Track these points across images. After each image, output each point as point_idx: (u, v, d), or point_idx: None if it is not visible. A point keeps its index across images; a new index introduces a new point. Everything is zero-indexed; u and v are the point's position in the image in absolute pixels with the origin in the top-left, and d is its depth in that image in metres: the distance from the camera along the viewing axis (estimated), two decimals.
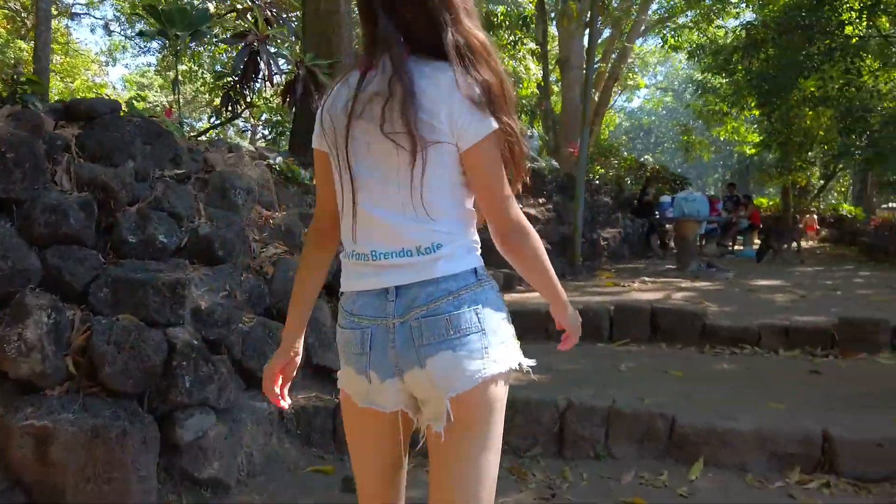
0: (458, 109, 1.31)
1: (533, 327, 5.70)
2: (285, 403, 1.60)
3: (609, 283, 8.91)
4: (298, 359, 1.58)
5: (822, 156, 18.10)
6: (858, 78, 14.21)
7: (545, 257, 1.49)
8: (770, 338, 5.56)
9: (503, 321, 1.43)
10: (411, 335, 1.35)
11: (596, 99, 26.23)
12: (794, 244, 12.82)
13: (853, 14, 13.69)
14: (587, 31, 22.22)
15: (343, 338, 1.45)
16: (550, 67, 23.22)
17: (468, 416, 1.36)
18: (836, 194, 33.63)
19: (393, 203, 1.36)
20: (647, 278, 9.40)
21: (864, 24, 13.88)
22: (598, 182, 14.46)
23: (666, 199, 13.28)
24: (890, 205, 36.36)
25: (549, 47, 25.30)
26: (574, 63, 21.79)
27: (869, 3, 13.45)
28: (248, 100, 6.67)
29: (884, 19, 14.17)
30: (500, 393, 1.40)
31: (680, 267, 10.48)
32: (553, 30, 22.82)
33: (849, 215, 21.35)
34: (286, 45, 8.16)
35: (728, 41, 16.86)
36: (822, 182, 22.69)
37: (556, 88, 23.64)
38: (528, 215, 7.18)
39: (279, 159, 5.28)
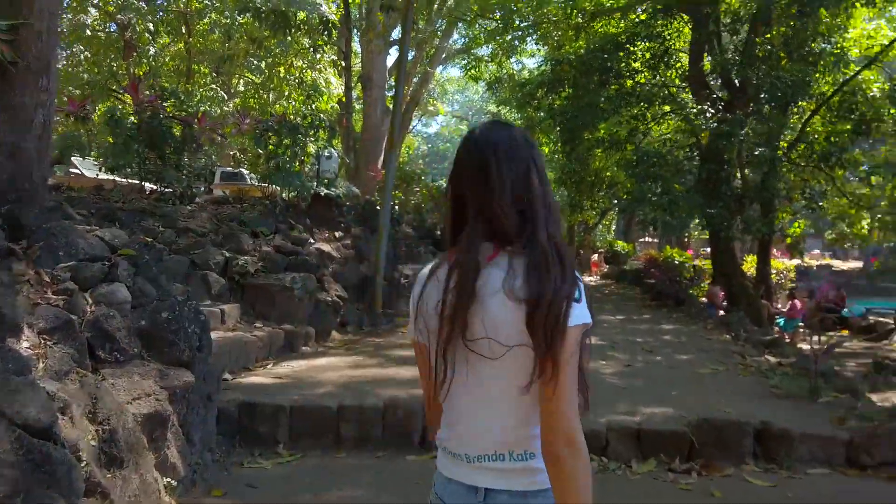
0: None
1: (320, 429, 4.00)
2: None
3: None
4: None
5: (610, 198, 18.53)
6: (644, 123, 14.50)
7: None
8: (620, 444, 4.33)
9: None
10: None
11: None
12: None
13: (642, 63, 13.87)
14: (393, 49, 21.07)
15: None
16: (353, 84, 21.81)
17: None
18: (601, 228, 35.93)
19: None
20: None
21: (650, 74, 14.16)
22: (398, 211, 13.01)
23: None
24: (647, 239, 40.02)
25: (352, 62, 23.78)
26: (377, 81, 20.54)
27: (658, 53, 13.70)
28: None
29: (672, 73, 14.55)
30: None
31: None
32: (357, 46, 21.52)
33: (622, 251, 22.25)
34: None
35: (532, 76, 16.50)
36: (597, 219, 23.61)
37: (357, 106, 22.22)
38: (320, 252, 4.88)
39: None
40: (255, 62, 18.99)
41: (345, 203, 9.46)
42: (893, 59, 14.85)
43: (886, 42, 13.27)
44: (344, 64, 20.73)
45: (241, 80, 22.12)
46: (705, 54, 13.98)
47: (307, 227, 8.44)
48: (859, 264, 31.81)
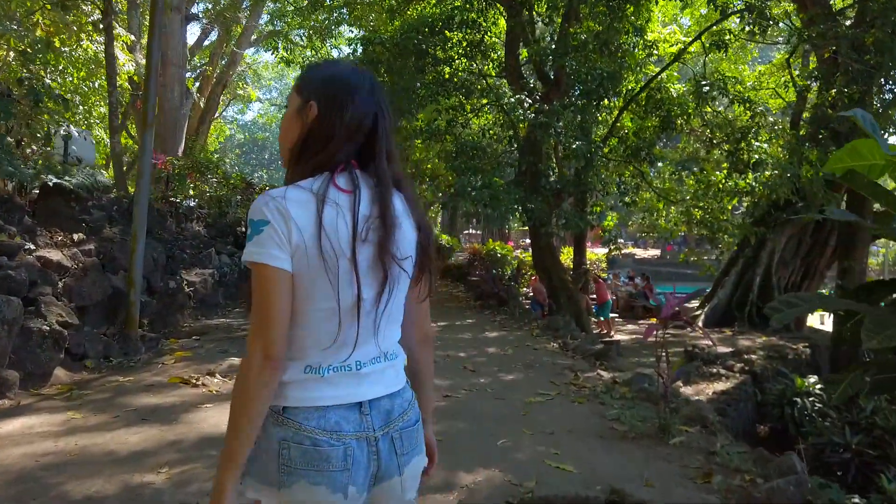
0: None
1: None
2: None
3: (174, 379, 5.46)
4: None
5: (433, 191, 17.44)
6: (463, 114, 13.61)
7: None
8: None
9: None
10: (393, 446, 1.37)
11: (202, 104, 22.43)
12: None
13: (458, 51, 12.91)
14: (192, 26, 18.38)
15: (314, 455, 1.30)
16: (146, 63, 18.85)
17: None
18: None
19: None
20: (235, 359, 6.22)
21: (467, 63, 13.27)
22: (187, 206, 10.77)
23: None
24: (470, 231, 40.09)
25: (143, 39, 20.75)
26: (174, 59, 17.89)
27: (475, 42, 12.80)
28: None
29: (489, 64, 13.73)
30: None
31: None
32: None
33: (446, 245, 21.42)
34: None
35: (343, 56, 14.83)
36: None
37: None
38: (43, 261, 3.87)
39: None
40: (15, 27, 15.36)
41: (93, 197, 7.19)
42: (691, 58, 15.28)
43: (683, 44, 13.46)
44: (138, 42, 17.79)
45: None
46: (521, 44, 13.31)
47: (27, 228, 6.14)
48: (657, 252, 34.25)
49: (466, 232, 38.79)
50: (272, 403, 1.32)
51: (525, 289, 16.04)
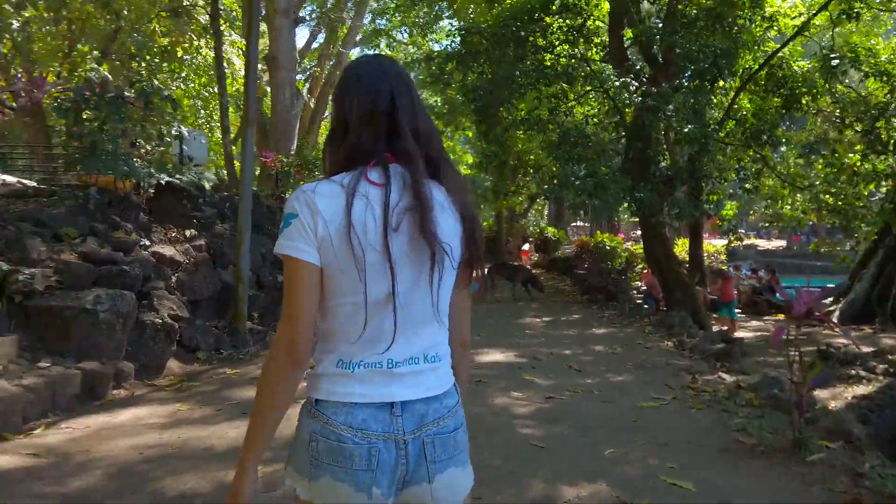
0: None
1: None
2: None
3: None
4: None
5: (538, 182, 16.99)
6: (565, 102, 13.08)
7: None
8: None
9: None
10: (424, 451, 1.31)
11: (312, 105, 23.14)
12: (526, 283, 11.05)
13: (559, 37, 12.38)
14: (300, 29, 18.95)
15: (338, 451, 1.27)
16: (263, 67, 19.76)
17: None
18: (534, 213, 34.61)
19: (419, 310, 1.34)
20: None
21: (569, 49, 12.70)
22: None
23: None
24: (578, 223, 39.02)
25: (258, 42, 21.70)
26: (283, 63, 18.52)
27: (576, 26, 12.24)
28: None
29: (592, 49, 13.11)
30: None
31: None
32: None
33: (553, 238, 20.86)
34: None
35: (442, 50, 14.73)
36: (526, 204, 22.08)
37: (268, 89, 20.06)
38: (158, 257, 3.96)
39: None
40: (145, 41, 16.43)
41: (203, 195, 7.42)
42: (816, 31, 13.86)
43: (806, 17, 12.20)
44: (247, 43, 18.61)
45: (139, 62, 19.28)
46: (625, 26, 12.59)
47: (143, 225, 6.41)
48: (782, 243, 31.73)
49: (574, 224, 37.76)
50: (308, 394, 1.34)
51: (637, 282, 15.24)
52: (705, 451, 3.68)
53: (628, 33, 11.52)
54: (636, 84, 10.58)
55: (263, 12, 20.48)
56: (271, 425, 1.31)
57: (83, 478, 3.29)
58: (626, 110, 11.04)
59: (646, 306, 11.08)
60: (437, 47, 22.59)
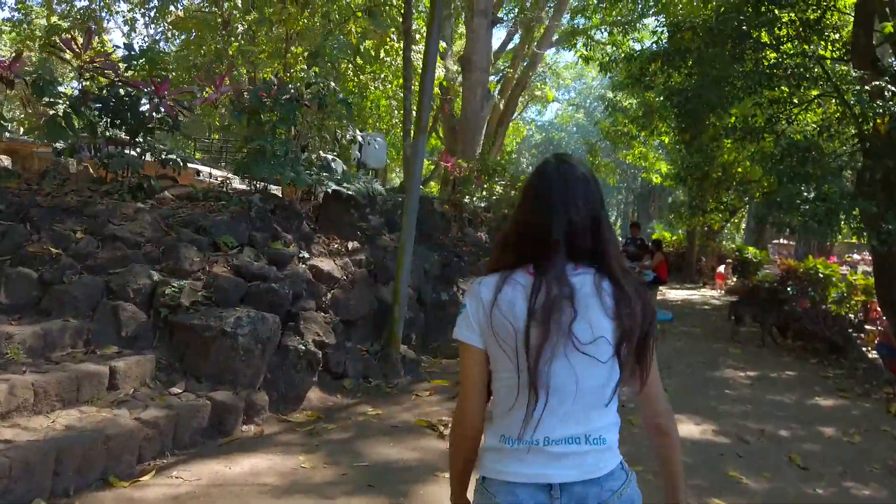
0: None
1: None
2: None
3: (421, 421, 4.62)
4: None
5: (740, 195, 14.65)
6: (789, 108, 10.85)
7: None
8: None
9: None
10: None
11: (501, 106, 22.44)
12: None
13: (788, 32, 10.19)
14: (497, 30, 18.26)
15: None
16: (457, 68, 19.48)
17: None
18: (729, 227, 30.89)
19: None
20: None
21: (798, 46, 10.43)
22: (473, 209, 10.23)
23: None
24: (781, 240, 34.31)
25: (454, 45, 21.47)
26: (478, 64, 17.97)
27: (811, 19, 9.99)
28: None
29: (829, 49, 10.71)
30: None
31: None
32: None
33: (753, 259, 18.08)
34: None
35: (645, 49, 13.02)
36: (723, 222, 19.38)
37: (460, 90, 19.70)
38: (315, 271, 4.47)
39: None
40: (345, 43, 16.73)
41: (367, 206, 6.79)
42: None
43: None
44: (445, 48, 18.36)
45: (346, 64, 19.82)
46: (876, 19, 10.05)
47: (305, 236, 5.89)
48: None
49: (775, 242, 33.28)
50: (478, 471, 1.42)
51: (875, 338, 12.31)
52: None
53: (888, 27, 9.09)
54: (893, 90, 8.24)
55: (454, 13, 20.06)
56: (458, 483, 1.49)
57: None
58: (878, 120, 8.66)
59: (883, 363, 8.69)
60: (638, 47, 20.71)
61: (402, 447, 4.14)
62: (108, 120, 5.80)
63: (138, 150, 5.76)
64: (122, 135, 5.89)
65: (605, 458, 1.34)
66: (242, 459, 3.78)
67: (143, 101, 5.82)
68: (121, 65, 5.99)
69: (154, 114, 5.68)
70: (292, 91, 5.74)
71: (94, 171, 6.04)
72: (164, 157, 5.79)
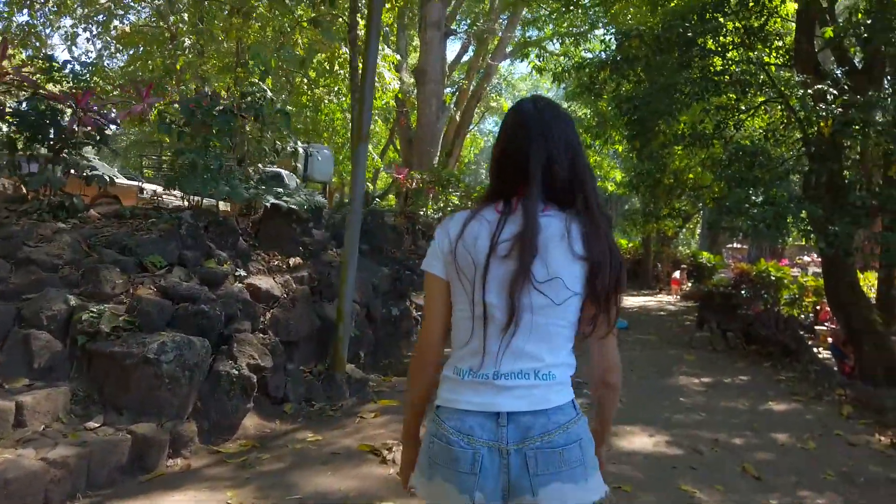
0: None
1: None
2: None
3: (363, 446, 4.35)
4: None
5: (693, 202, 14.77)
6: (737, 114, 11.00)
7: None
8: None
9: (593, 450, 1.42)
10: (526, 464, 1.33)
11: (457, 118, 22.37)
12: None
13: (735, 38, 10.33)
14: (451, 42, 18.16)
15: (447, 453, 1.37)
16: (412, 80, 19.32)
17: None
18: (684, 233, 31.35)
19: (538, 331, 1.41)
20: None
21: (744, 53, 10.60)
22: (426, 221, 10.01)
23: None
24: (734, 245, 34.98)
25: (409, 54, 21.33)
26: (432, 76, 17.88)
27: (755, 27, 10.13)
28: None
29: (772, 56, 10.88)
30: None
31: None
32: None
33: (708, 263, 18.31)
34: None
35: (595, 58, 13.06)
36: (677, 229, 19.58)
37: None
38: (251, 291, 4.52)
39: None
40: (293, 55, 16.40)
41: (319, 217, 6.51)
42: None
43: None
44: (400, 60, 18.17)
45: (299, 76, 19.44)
46: (816, 26, 10.24)
47: (241, 253, 5.59)
48: None
49: (729, 246, 33.94)
50: (434, 402, 1.45)
51: (828, 338, 12.43)
52: None
53: (828, 32, 9.23)
54: (835, 93, 8.36)
55: (407, 25, 19.91)
56: (411, 421, 1.53)
57: None
58: (821, 124, 8.76)
59: (834, 360, 8.77)
60: (590, 57, 20.91)
61: (340, 476, 3.87)
62: (28, 135, 5.43)
63: (61, 166, 5.38)
64: (45, 150, 5.52)
65: (554, 392, 1.37)
66: (163, 498, 3.45)
67: (70, 115, 5.46)
68: (41, 77, 5.61)
69: (77, 128, 5.32)
70: (226, 102, 5.46)
71: (14, 191, 5.64)
72: (87, 173, 5.42)
